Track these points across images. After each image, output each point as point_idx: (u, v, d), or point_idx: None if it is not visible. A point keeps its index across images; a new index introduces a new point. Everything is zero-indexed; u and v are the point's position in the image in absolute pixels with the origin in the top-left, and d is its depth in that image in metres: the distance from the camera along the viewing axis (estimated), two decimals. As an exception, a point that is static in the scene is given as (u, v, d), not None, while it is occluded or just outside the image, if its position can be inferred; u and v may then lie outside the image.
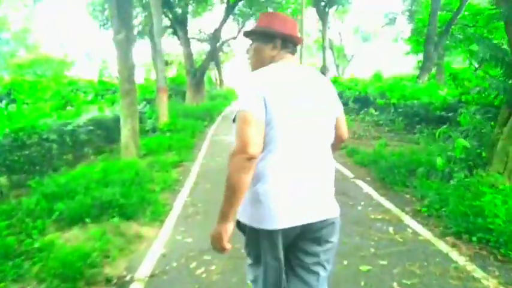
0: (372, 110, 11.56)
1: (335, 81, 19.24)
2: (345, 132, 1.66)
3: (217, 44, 19.17)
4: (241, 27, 24.09)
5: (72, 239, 3.38)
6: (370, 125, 11.10)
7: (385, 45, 37.86)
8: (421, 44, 17.68)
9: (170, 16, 16.70)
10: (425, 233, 3.46)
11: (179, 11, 16.60)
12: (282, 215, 1.37)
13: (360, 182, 5.24)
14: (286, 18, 1.58)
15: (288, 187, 1.39)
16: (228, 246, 1.38)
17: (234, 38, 22.16)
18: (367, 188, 4.95)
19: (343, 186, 5.06)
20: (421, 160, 5.35)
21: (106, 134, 8.70)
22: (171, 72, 29.33)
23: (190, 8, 19.02)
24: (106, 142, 8.70)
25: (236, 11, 20.88)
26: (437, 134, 6.09)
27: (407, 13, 19.59)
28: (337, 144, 1.66)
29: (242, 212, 1.43)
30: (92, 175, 4.84)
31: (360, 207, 4.19)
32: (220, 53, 26.88)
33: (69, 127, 6.80)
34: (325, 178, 1.49)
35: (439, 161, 4.84)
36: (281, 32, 1.51)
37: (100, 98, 17.12)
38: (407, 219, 3.82)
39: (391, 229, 3.57)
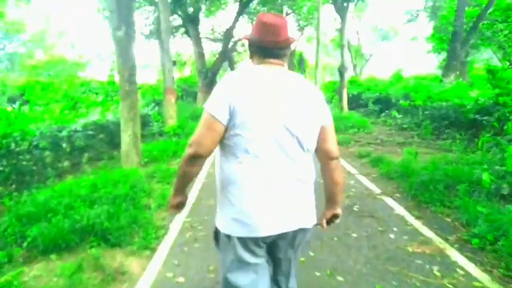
0: (394, 113, 10.72)
1: (352, 82, 18.34)
2: (332, 148, 1.53)
3: (230, 44, 18.53)
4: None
5: (39, 277, 2.76)
6: (393, 128, 10.26)
7: (404, 44, 36.67)
8: (445, 42, 16.66)
9: (182, 15, 16.18)
10: (481, 276, 2.70)
11: (191, 9, 16.06)
12: (248, 223, 1.42)
13: (388, 200, 4.48)
14: (266, 22, 1.48)
15: (255, 196, 1.40)
16: (173, 210, 1.64)
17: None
18: (398, 208, 4.18)
19: (369, 205, 4.32)
20: (460, 173, 4.56)
21: (109, 138, 8.16)
22: (185, 72, 28.93)
23: (203, 8, 18.52)
24: (109, 147, 8.14)
25: (251, 9, 20.27)
26: (479, 144, 5.25)
27: (429, 10, 18.56)
28: (327, 164, 1.55)
29: (217, 218, 1.55)
30: (79, 190, 4.24)
31: (392, 235, 3.45)
32: (234, 53, 26.30)
33: (64, 132, 6.25)
34: (300, 188, 1.48)
35: (485, 176, 4.05)
36: (259, 39, 1.49)
37: (110, 99, 16.78)
38: (455, 255, 3.05)
39: (435, 269, 2.82)
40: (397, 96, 12.67)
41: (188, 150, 1.41)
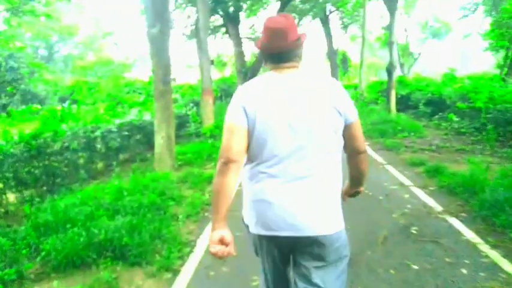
0: (451, 116, 9.68)
1: (401, 82, 17.14)
2: (360, 143, 1.50)
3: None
4: (298, 24, 22.82)
5: (44, 301, 2.44)
6: (449, 133, 9.25)
7: (456, 42, 34.21)
8: (506, 38, 15.09)
9: (222, 14, 15.96)
10: None
11: (231, 8, 15.78)
12: (262, 222, 1.42)
13: (453, 221, 3.75)
14: (270, 27, 1.46)
15: (270, 197, 1.39)
16: (213, 249, 1.38)
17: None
18: (467, 233, 3.46)
19: (430, 226, 3.63)
20: (544, 191, 3.74)
21: (146, 139, 7.99)
22: (225, 73, 28.91)
23: (244, 6, 18.23)
24: (145, 148, 7.98)
25: (292, 7, 19.68)
26: None
27: (489, 2, 16.93)
28: (354, 157, 1.53)
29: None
30: (103, 196, 3.96)
31: (464, 270, 2.77)
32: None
33: (98, 132, 6.09)
34: (320, 191, 1.41)
35: None
36: (266, 45, 1.49)
37: (152, 99, 17.01)
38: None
39: (530, 325, 2.15)
40: (452, 97, 11.53)
41: (220, 161, 1.40)
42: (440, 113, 11.79)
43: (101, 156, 6.44)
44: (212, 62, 9.47)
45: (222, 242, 1.38)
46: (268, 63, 1.51)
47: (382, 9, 31.01)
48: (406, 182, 5.23)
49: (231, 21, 16.48)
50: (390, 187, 4.99)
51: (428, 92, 13.24)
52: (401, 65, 29.74)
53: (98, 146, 6.32)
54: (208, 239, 1.42)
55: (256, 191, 1.43)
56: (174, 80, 29.61)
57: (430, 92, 12.97)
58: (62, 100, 22.42)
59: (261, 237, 1.47)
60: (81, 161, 5.87)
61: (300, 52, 1.50)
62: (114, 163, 6.44)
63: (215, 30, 18.81)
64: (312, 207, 1.39)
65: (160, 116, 6.16)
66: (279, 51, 1.46)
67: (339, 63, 27.86)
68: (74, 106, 14.67)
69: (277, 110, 1.37)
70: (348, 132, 1.45)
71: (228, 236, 1.39)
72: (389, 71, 12.04)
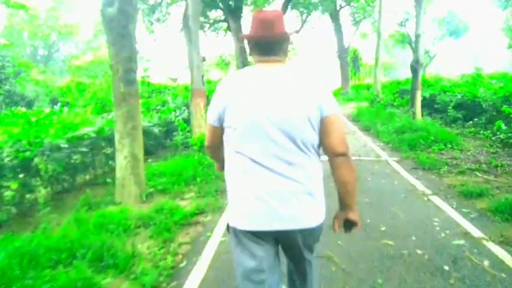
0: (499, 123, 7.90)
1: (423, 82, 15.30)
2: (335, 143, 1.45)
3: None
4: (306, 19, 21.14)
5: None
6: (494, 145, 7.49)
7: (475, 39, 32.25)
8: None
9: (222, 7, 14.35)
10: None
11: (232, 0, 14.17)
12: (244, 216, 1.46)
13: None
14: (259, 17, 1.48)
15: (240, 192, 1.46)
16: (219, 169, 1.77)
17: (297, 32, 19.23)
18: None
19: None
20: None
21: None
22: (228, 73, 27.26)
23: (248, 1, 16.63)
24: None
25: (299, 1, 18.02)
26: None
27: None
28: (331, 161, 1.49)
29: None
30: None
31: None
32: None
33: (36, 152, 4.47)
34: (293, 185, 1.43)
35: None
36: (252, 35, 1.50)
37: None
38: None
39: None
40: (488, 100, 9.76)
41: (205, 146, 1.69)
42: (475, 119, 10.02)
43: (45, 182, 4.82)
44: (204, 59, 7.78)
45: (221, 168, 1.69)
46: (253, 55, 1.53)
47: (396, 4, 29.15)
48: (473, 230, 3.50)
49: (232, 15, 14.87)
50: (452, 242, 3.27)
51: (457, 93, 11.44)
52: (417, 64, 27.94)
53: (41, 166, 4.70)
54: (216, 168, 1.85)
55: (235, 185, 1.47)
56: (175, 80, 28.08)
57: (462, 93, 11.17)
58: (54, 102, 21.05)
59: (242, 231, 1.47)
60: (14, 188, 4.27)
61: (286, 47, 1.52)
62: (62, 187, 4.76)
63: (214, 24, 17.22)
64: (295, 201, 1.42)
65: (122, 128, 4.53)
66: (264, 40, 1.47)
67: (349, 62, 26.08)
68: (66, 109, 13.25)
69: (254, 106, 1.39)
70: (324, 127, 1.42)
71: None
72: (415, 68, 10.29)
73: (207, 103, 8.45)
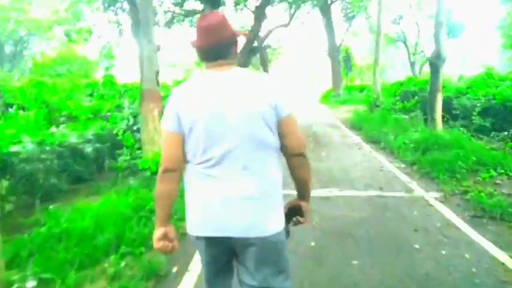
0: None
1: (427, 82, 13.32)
2: (296, 144, 1.43)
3: (261, 33, 14.15)
4: (294, 14, 18.99)
5: None
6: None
7: (471, 40, 30.74)
8: None
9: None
10: None
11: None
12: (195, 222, 1.44)
13: None
14: (201, 26, 1.44)
15: (198, 197, 1.41)
16: (157, 245, 1.47)
17: (285, 26, 17.04)
18: None
19: None
20: None
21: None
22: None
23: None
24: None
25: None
26: None
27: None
28: (289, 160, 1.46)
29: None
30: None
31: None
32: (268, 50, 21.86)
33: None
34: (256, 190, 1.37)
35: None
36: (197, 44, 1.47)
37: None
38: None
39: None
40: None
41: (159, 169, 1.43)
42: (510, 129, 8.00)
43: None
44: (158, 48, 5.48)
45: (165, 238, 1.45)
46: (203, 62, 1.50)
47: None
48: None
49: (211, 5, 12.53)
50: None
51: (480, 96, 9.43)
52: (412, 64, 26.14)
53: None
54: (153, 237, 1.46)
55: (194, 191, 1.43)
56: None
57: (486, 96, 9.16)
58: (10, 104, 18.40)
59: (199, 238, 1.45)
60: None
61: (234, 49, 1.49)
62: None
63: (189, 16, 14.90)
64: (249, 207, 1.36)
65: None
66: (210, 48, 1.43)
67: (341, 62, 24.10)
68: (22, 112, 10.78)
69: (208, 111, 1.35)
70: (281, 128, 1.40)
71: (171, 231, 1.47)
72: (435, 65, 8.18)
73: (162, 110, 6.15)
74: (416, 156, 6.28)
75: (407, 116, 11.02)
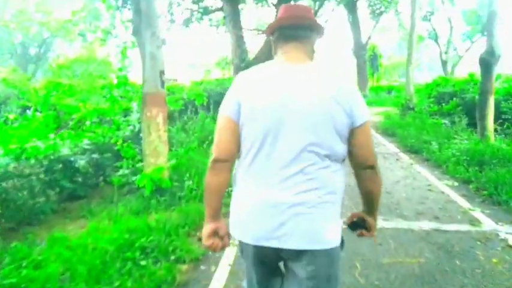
0: None
1: (475, 82, 11.98)
2: (369, 154, 1.28)
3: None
4: (318, 11, 17.91)
5: None
6: None
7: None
8: None
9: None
10: None
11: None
12: (241, 226, 1.32)
13: None
14: (287, 6, 1.37)
15: (247, 199, 1.29)
16: (207, 242, 1.34)
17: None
18: None
19: None
20: None
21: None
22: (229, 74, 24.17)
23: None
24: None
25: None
26: None
27: None
28: (360, 173, 1.31)
29: None
30: None
31: None
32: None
33: None
34: (315, 198, 1.23)
35: None
36: (277, 20, 1.35)
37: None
38: None
39: None
40: None
41: (211, 158, 1.29)
42: None
43: None
44: (163, 43, 4.63)
45: (216, 234, 1.34)
46: (277, 48, 1.37)
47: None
48: None
49: (230, 1, 11.69)
50: None
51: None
52: (444, 63, 24.54)
53: None
54: (202, 233, 1.35)
55: (241, 191, 1.32)
56: (175, 80, 25.06)
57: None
58: (28, 107, 18.22)
59: (245, 244, 1.33)
60: None
61: (314, 39, 1.36)
62: None
63: (206, 13, 14.12)
64: (306, 216, 1.23)
65: None
66: (293, 22, 1.32)
67: (367, 61, 22.80)
68: (39, 115, 10.35)
69: (273, 105, 1.21)
70: (353, 138, 1.26)
71: (222, 228, 1.35)
72: (487, 63, 6.99)
73: (168, 115, 5.30)
74: (472, 172, 5.18)
75: (446, 121, 9.81)
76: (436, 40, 24.81)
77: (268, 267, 1.39)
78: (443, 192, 4.72)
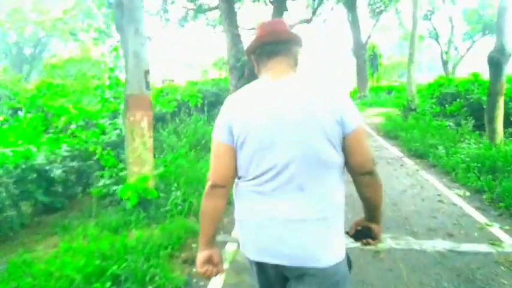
0: None
1: (479, 83, 11.58)
2: (363, 161, 1.25)
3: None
4: (316, 10, 17.50)
5: None
6: None
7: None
8: None
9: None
10: None
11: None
12: (246, 244, 1.32)
13: None
14: (262, 24, 1.39)
15: (249, 217, 1.29)
16: (201, 269, 1.33)
17: (308, 22, 15.57)
18: None
19: None
20: None
21: None
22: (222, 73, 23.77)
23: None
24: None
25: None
26: None
27: None
28: (357, 179, 1.28)
29: None
30: None
31: None
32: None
33: None
34: (315, 213, 1.21)
35: None
36: (256, 39, 1.36)
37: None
38: None
39: None
40: None
41: (207, 183, 1.31)
42: None
43: None
44: (148, 39, 4.21)
45: (210, 261, 1.33)
46: (259, 67, 1.38)
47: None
48: None
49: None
50: None
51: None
52: (445, 63, 24.17)
53: None
54: (196, 260, 1.34)
55: (244, 210, 1.31)
56: (172, 81, 24.62)
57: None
58: (20, 108, 17.72)
59: (249, 260, 1.34)
60: None
61: (296, 51, 1.36)
62: None
63: (201, 11, 13.70)
64: (305, 232, 1.21)
65: None
66: (273, 39, 1.33)
67: (367, 61, 22.40)
68: (29, 116, 9.93)
69: (265, 122, 1.22)
70: (347, 145, 1.23)
71: (216, 255, 1.34)
72: (497, 61, 6.56)
73: (152, 120, 4.86)
74: (484, 181, 4.77)
75: (451, 123, 9.40)
76: (436, 39, 24.42)
77: (275, 286, 1.35)
78: (455, 204, 4.30)
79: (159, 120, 8.22)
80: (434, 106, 11.93)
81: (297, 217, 1.19)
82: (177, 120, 7.89)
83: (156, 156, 5.88)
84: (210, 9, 14.41)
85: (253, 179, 1.25)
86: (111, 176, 4.52)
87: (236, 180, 1.33)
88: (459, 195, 4.62)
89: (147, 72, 4.48)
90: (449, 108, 10.92)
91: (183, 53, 38.60)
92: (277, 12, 10.94)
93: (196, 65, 35.01)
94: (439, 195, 4.67)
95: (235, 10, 11.77)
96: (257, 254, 1.27)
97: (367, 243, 1.38)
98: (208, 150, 7.21)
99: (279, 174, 1.20)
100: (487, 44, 30.30)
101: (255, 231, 1.26)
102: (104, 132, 6.13)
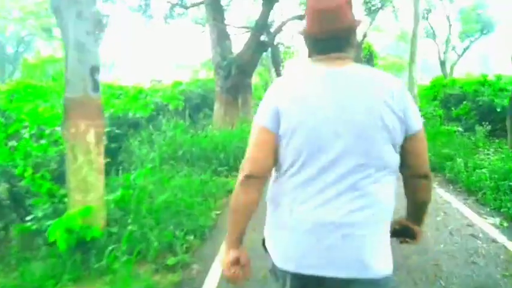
0: None
1: (488, 84, 10.71)
2: (423, 162, 1.17)
3: (272, 28, 11.82)
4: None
5: None
6: None
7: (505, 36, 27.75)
8: None
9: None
10: None
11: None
12: (279, 251, 1.16)
13: None
14: (317, 9, 1.14)
15: (287, 220, 1.13)
16: (228, 272, 1.19)
17: (300, 19, 14.59)
18: None
19: None
20: None
21: None
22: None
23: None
24: None
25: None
26: None
27: None
28: (412, 182, 1.19)
29: None
30: None
31: None
32: (281, 46, 19.36)
33: None
34: (366, 219, 1.08)
35: None
36: (311, 31, 1.18)
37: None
38: None
39: None
40: None
41: (241, 174, 1.15)
42: None
43: None
44: (102, 29, 3.21)
45: (237, 263, 1.19)
46: (313, 54, 1.20)
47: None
48: None
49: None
50: None
51: None
52: (443, 63, 23.42)
53: None
54: (221, 261, 1.21)
55: (283, 211, 1.15)
56: (159, 81, 23.46)
57: None
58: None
59: (282, 271, 1.15)
60: None
61: (352, 40, 1.19)
62: None
63: (183, 4, 12.60)
64: (361, 238, 1.08)
65: None
66: (327, 36, 1.15)
67: (363, 60, 21.51)
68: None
69: (319, 113, 1.09)
70: (408, 146, 1.14)
71: (244, 256, 1.20)
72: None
73: (103, 135, 3.75)
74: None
75: (460, 128, 8.50)
76: (434, 39, 23.68)
77: None
78: (495, 241, 3.33)
79: (132, 127, 7.16)
80: (437, 109, 11.07)
81: (349, 221, 1.07)
82: (150, 127, 6.80)
83: (121, 173, 4.85)
84: (194, 5, 13.32)
85: (298, 175, 1.10)
86: (48, 206, 3.46)
87: (274, 174, 1.18)
88: (495, 226, 3.66)
89: (95, 69, 3.43)
90: (456, 111, 10.04)
91: (174, 54, 37.52)
92: (266, 5, 9.92)
93: (187, 65, 33.97)
94: (468, 225, 3.70)
95: (224, 6, 10.76)
96: (294, 264, 1.10)
97: (405, 242, 1.30)
98: (186, 162, 6.20)
99: (330, 171, 1.07)
100: (484, 44, 29.69)
101: (294, 237, 1.11)
102: (57, 144, 5.08)
